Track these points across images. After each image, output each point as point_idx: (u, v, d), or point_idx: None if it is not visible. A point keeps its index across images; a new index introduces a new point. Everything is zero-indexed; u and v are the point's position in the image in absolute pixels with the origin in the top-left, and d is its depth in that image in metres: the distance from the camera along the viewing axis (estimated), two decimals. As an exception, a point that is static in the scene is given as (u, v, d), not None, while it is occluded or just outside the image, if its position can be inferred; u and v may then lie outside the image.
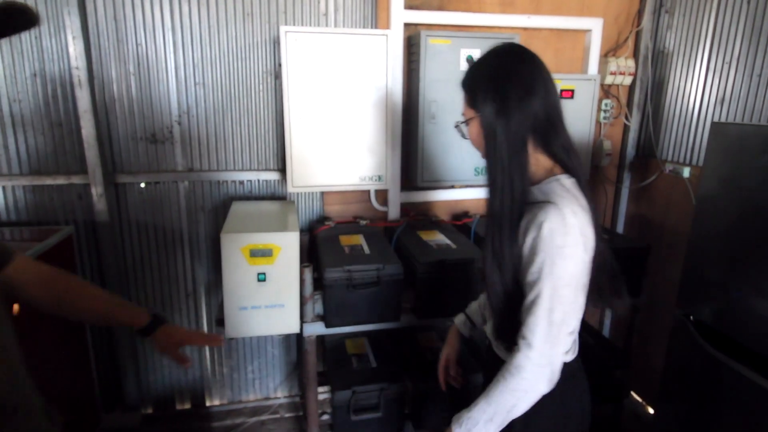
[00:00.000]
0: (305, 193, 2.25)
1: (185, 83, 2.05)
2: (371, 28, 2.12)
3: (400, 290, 1.78)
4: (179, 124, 2.09)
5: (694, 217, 1.59)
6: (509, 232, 0.99)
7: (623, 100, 2.46)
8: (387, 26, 2.11)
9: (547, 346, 0.96)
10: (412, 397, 1.91)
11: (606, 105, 2.39)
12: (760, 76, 1.87)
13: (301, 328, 1.79)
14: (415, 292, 1.81)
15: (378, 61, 1.95)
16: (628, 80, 2.37)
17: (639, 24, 2.36)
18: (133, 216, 2.14)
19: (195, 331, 1.31)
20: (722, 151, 1.35)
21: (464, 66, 2.02)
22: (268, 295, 1.69)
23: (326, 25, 2.10)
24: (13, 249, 0.94)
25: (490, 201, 1.03)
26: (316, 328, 1.81)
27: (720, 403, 1.38)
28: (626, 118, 2.48)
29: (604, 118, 2.40)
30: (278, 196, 2.25)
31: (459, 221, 2.25)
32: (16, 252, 0.95)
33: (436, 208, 2.40)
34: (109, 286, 2.13)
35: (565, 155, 1.02)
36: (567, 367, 1.07)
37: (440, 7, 2.15)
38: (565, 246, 0.93)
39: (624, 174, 2.54)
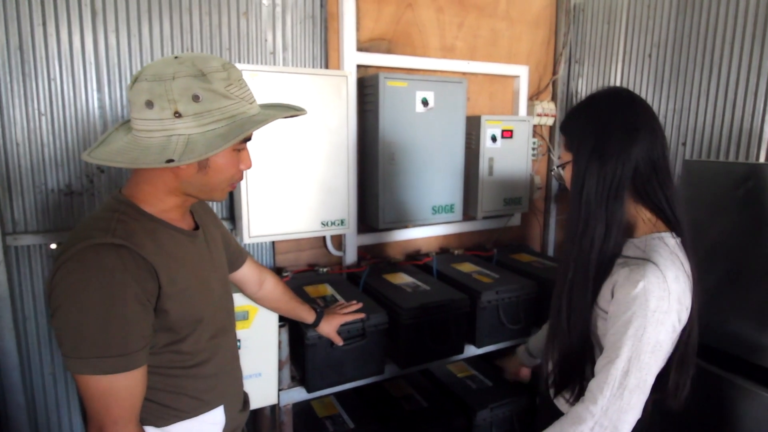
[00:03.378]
0: (254, 243, 2.05)
1: (112, 125, 1.76)
2: (321, 68, 2.06)
3: (384, 340, 1.68)
4: (102, 171, 1.78)
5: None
6: (591, 285, 0.94)
7: (547, 138, 2.70)
8: (338, 67, 2.06)
9: (614, 408, 0.91)
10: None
11: (534, 143, 2.59)
12: (665, 118, 2.18)
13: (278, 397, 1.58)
14: (397, 340, 1.72)
15: (337, 103, 1.88)
16: (550, 121, 2.61)
17: (556, 72, 2.63)
18: (43, 285, 1.73)
19: (348, 312, 1.57)
20: (696, 186, 1.54)
21: (420, 108, 2.05)
22: (244, 364, 1.44)
23: (273, 64, 1.99)
24: (245, 251, 1.32)
25: (569, 248, 0.97)
26: (293, 395, 1.62)
27: (710, 411, 1.51)
28: (550, 155, 2.71)
29: (533, 155, 2.60)
30: (224, 248, 2.00)
31: (419, 261, 2.23)
32: (252, 261, 1.33)
33: (390, 249, 2.35)
34: (6, 384, 1.68)
35: (670, 210, 0.96)
36: None
37: (389, 51, 2.17)
38: (657, 311, 0.88)
39: (550, 205, 2.76)
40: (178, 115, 0.82)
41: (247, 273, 1.31)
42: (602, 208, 0.94)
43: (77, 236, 0.83)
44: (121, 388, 0.81)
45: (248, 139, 0.92)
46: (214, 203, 1.97)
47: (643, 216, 0.99)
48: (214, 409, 0.99)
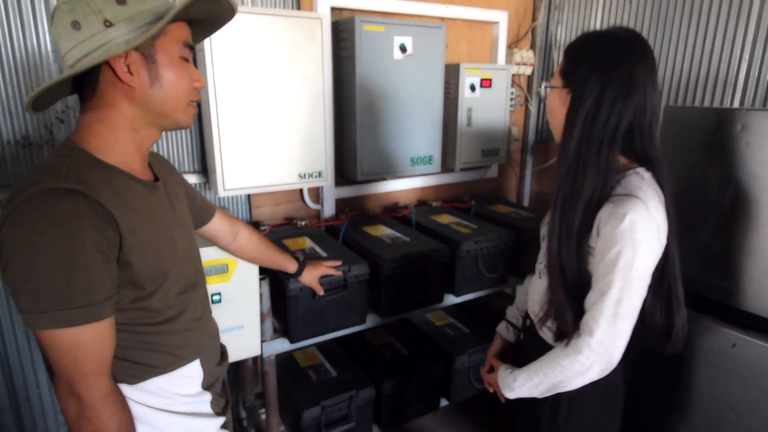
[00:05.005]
0: (230, 197, 1.99)
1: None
2: (293, 9, 1.94)
3: (365, 291, 1.68)
4: (62, 122, 1.67)
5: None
6: (586, 220, 0.96)
7: (525, 88, 2.67)
8: (310, 9, 1.95)
9: (608, 336, 0.96)
10: (390, 396, 1.84)
11: (512, 93, 2.56)
12: (643, 66, 2.17)
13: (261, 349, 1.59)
14: (378, 290, 1.73)
15: (311, 48, 1.79)
16: (528, 70, 2.57)
17: (535, 19, 2.56)
18: (5, 243, 1.65)
19: (329, 265, 1.58)
20: (674, 132, 1.55)
21: (398, 54, 1.98)
22: (225, 317, 1.45)
23: (241, 5, 1.86)
24: (213, 204, 1.27)
25: (563, 184, 0.98)
26: (276, 346, 1.62)
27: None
28: (528, 106, 2.69)
29: (511, 105, 2.57)
30: (198, 203, 1.94)
31: (397, 213, 2.22)
32: (221, 212, 1.29)
33: (368, 202, 2.33)
34: (-24, 337, 1.63)
35: (646, 152, 0.99)
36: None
37: (364, -7, 2.06)
38: (644, 240, 0.92)
39: (527, 157, 2.77)
40: (108, 24, 0.78)
41: (217, 226, 1.27)
42: (596, 153, 0.95)
43: (23, 183, 0.76)
44: (89, 341, 0.77)
45: (192, 49, 0.90)
46: (184, 155, 1.88)
47: (621, 159, 1.02)
48: (189, 363, 0.96)
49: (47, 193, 0.73)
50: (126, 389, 0.87)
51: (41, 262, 0.72)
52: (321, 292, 1.55)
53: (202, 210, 1.21)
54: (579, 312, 1.01)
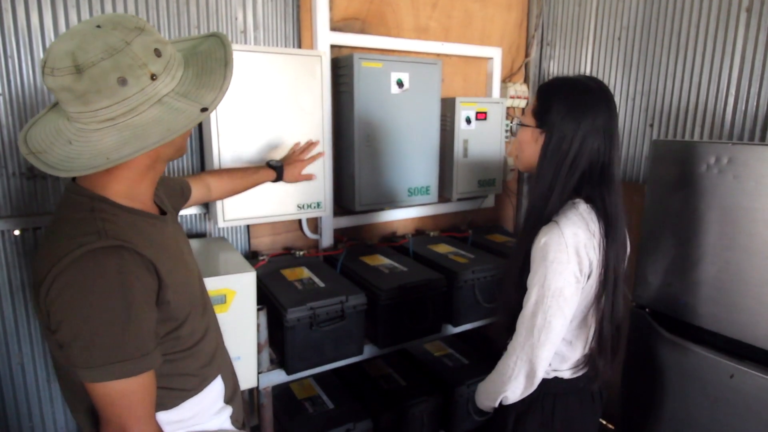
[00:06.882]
0: (228, 227, 2.01)
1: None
2: (294, 48, 2.02)
3: (363, 321, 1.69)
4: (67, 154, 1.70)
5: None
6: (526, 241, 1.08)
7: (519, 121, 2.73)
8: (311, 47, 2.02)
9: (528, 344, 1.05)
10: (387, 429, 1.82)
11: (507, 125, 2.62)
12: (633, 100, 2.24)
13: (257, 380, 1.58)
14: (376, 321, 1.74)
15: (311, 83, 1.85)
16: (523, 103, 2.64)
17: (528, 54, 2.65)
18: (6, 274, 1.66)
19: (306, 158, 1.66)
20: (663, 165, 1.60)
21: (395, 89, 2.04)
22: None
23: (245, 43, 1.93)
24: (184, 180, 1.31)
25: (532, 203, 1.11)
26: (273, 378, 1.62)
27: (676, 379, 1.59)
28: (522, 137, 2.75)
29: (506, 137, 2.63)
30: (198, 234, 1.97)
31: (395, 243, 2.24)
32: (190, 179, 1.34)
33: (366, 231, 2.35)
34: (-29, 369, 1.62)
35: (591, 192, 1.07)
36: (563, 384, 1.15)
37: (362, 31, 2.14)
38: (554, 261, 1.01)
39: (523, 187, 2.81)
40: (154, 77, 0.78)
41: (196, 192, 1.34)
42: (563, 183, 1.06)
43: (64, 245, 0.77)
44: (140, 387, 0.80)
45: None
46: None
47: (574, 197, 1.11)
48: (214, 380, 1.00)
49: (94, 253, 0.76)
50: (164, 415, 0.91)
51: (96, 320, 0.75)
52: (312, 177, 1.69)
53: (185, 192, 1.28)
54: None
